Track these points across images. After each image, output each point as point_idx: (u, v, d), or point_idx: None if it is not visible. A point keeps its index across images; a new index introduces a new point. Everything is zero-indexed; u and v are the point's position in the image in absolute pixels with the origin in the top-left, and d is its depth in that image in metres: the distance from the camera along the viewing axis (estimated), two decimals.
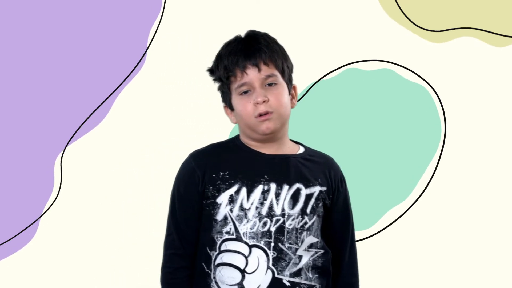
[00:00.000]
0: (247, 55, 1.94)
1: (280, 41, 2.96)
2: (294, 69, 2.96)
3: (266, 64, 1.95)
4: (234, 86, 1.96)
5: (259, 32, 2.02)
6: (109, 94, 3.01)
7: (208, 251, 1.93)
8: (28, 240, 2.97)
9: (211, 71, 2.01)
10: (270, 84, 1.95)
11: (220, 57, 1.99)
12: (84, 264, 2.97)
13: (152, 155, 2.99)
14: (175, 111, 3.02)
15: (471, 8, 3.06)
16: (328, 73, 3.07)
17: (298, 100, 2.95)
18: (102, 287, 2.98)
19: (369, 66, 3.07)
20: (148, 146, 3.01)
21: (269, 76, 1.95)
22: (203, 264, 1.93)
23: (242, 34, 2.01)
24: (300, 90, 3.02)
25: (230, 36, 2.03)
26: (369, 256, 3.01)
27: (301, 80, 3.03)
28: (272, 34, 2.92)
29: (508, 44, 3.05)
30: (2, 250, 2.96)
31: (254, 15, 3.04)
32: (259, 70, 1.94)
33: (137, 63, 3.02)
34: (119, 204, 2.99)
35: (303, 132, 3.02)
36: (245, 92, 1.94)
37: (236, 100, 1.96)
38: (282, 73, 1.98)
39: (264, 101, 1.92)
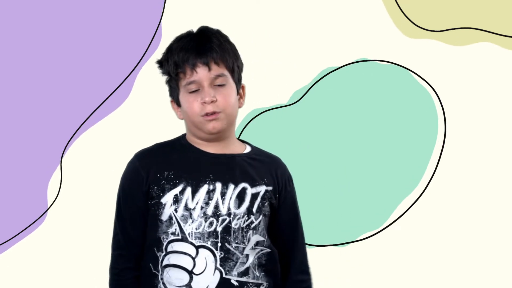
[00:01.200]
0: (198, 53, 1.92)
1: (281, 39, 2.99)
2: (297, 67, 2.98)
3: (216, 63, 1.92)
4: (182, 82, 1.93)
5: (212, 29, 1.98)
6: (109, 94, 3.03)
7: (156, 251, 1.91)
8: (29, 236, 3.00)
9: (160, 63, 1.99)
10: (219, 85, 1.92)
11: (170, 51, 1.96)
12: (83, 263, 2.99)
13: None
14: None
15: (473, 8, 3.01)
16: (328, 73, 3.05)
17: (301, 98, 2.97)
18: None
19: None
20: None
21: (218, 76, 1.92)
22: (150, 264, 1.92)
23: (195, 29, 1.98)
24: (302, 89, 3.02)
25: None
26: (372, 255, 3.01)
27: (301, 80, 3.04)
28: (273, 32, 2.96)
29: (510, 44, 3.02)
30: (1, 248, 3.00)
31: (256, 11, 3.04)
32: (209, 69, 1.91)
33: (136, 63, 3.03)
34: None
35: (307, 127, 3.02)
36: (194, 91, 1.92)
37: (184, 97, 1.94)
38: (232, 73, 1.95)
39: (212, 101, 1.90)
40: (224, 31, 2.01)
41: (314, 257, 2.92)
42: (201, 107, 1.90)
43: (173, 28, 3.02)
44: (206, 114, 1.90)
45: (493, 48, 3.02)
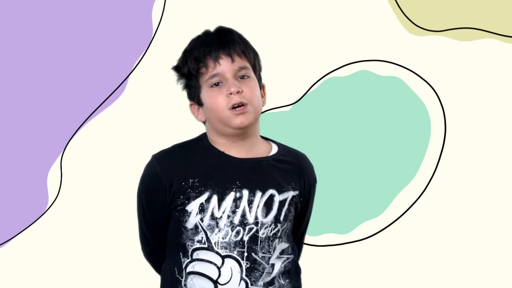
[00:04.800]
0: (221, 45, 1.85)
1: (283, 40, 2.96)
2: (299, 68, 2.95)
3: (239, 55, 1.86)
4: (204, 78, 1.85)
5: (230, 28, 1.93)
6: (107, 97, 2.98)
7: (181, 257, 1.86)
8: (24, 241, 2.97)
9: (177, 68, 1.91)
10: (242, 77, 1.86)
11: (189, 51, 1.89)
12: (83, 265, 2.97)
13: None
14: (175, 110, 2.94)
15: (472, 8, 3.01)
16: (328, 73, 3.03)
17: (300, 98, 2.94)
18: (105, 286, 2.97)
19: (379, 71, 3.02)
20: (147, 146, 2.98)
21: (242, 68, 1.85)
22: (175, 268, 1.88)
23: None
24: (302, 89, 2.99)
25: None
26: (372, 255, 3.01)
27: (301, 79, 3.01)
28: (275, 32, 2.92)
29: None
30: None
31: (256, 14, 3.01)
32: (233, 60, 1.85)
33: (137, 62, 2.99)
34: (119, 204, 2.96)
35: (303, 129, 3.00)
36: (216, 85, 1.85)
37: (206, 93, 1.86)
38: (254, 68, 1.89)
39: (238, 92, 1.82)
40: None
41: (314, 257, 2.93)
42: (227, 99, 1.83)
43: (172, 28, 2.99)
44: (233, 107, 1.82)
45: (493, 47, 3.03)
